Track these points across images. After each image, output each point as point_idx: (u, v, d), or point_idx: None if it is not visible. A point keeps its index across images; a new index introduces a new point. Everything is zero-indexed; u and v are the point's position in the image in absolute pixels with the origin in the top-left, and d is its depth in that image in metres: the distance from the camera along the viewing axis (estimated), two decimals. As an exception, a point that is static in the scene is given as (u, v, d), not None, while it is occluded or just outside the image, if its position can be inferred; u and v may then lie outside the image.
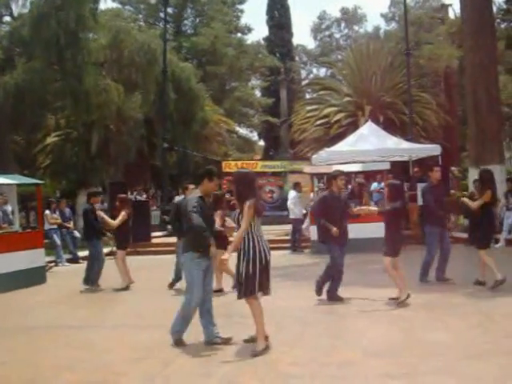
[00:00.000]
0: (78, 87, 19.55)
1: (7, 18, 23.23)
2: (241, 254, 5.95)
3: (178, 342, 6.36)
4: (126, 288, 10.61)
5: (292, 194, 15.99)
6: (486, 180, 9.03)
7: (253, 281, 5.87)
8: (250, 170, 6.85)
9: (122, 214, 10.69)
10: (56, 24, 19.00)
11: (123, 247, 10.91)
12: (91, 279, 10.91)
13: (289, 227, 16.59)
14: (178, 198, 22.34)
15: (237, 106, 39.40)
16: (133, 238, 16.05)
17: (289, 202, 15.86)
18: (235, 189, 6.15)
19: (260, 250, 5.91)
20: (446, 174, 15.92)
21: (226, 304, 8.27)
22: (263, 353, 5.88)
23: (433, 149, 16.56)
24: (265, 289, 6.02)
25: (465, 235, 13.25)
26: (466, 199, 9.52)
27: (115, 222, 10.68)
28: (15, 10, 22.92)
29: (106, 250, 15.97)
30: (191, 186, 9.53)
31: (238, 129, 41.06)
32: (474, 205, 8.98)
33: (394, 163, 17.39)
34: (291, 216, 15.75)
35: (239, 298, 6.03)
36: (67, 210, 16.54)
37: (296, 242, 15.69)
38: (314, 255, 14.17)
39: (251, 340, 6.21)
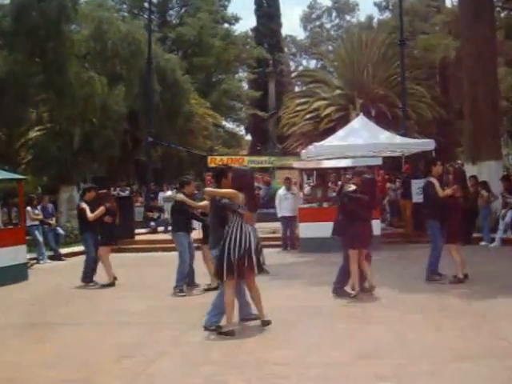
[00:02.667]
0: (60, 80, 19.50)
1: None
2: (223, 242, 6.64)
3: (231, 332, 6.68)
4: (112, 284, 10.75)
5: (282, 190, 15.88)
6: (457, 177, 9.62)
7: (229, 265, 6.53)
8: (249, 168, 7.30)
9: (100, 209, 10.91)
10: (38, 15, 18.96)
11: (104, 243, 11.05)
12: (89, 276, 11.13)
13: (276, 225, 16.67)
14: (162, 194, 22.56)
15: (223, 99, 39.33)
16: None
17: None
18: (234, 183, 6.79)
19: (241, 238, 6.55)
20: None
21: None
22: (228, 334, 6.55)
23: (427, 144, 16.58)
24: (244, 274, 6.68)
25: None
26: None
27: (91, 216, 10.90)
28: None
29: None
30: (194, 183, 10.47)
31: (224, 123, 41.04)
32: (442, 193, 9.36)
33: (386, 159, 17.46)
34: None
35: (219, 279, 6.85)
36: (50, 206, 16.56)
37: (286, 240, 15.60)
38: (302, 254, 14.24)
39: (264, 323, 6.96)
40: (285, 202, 15.34)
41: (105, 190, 11.81)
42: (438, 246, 9.57)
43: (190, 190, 10.01)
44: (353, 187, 8.82)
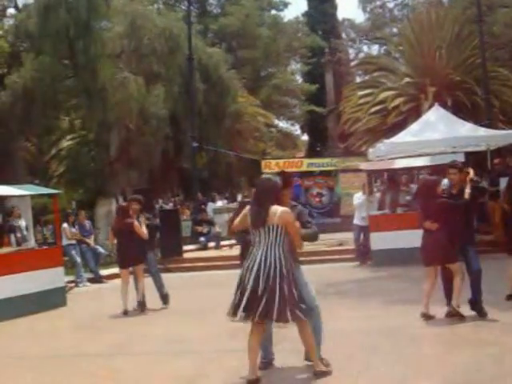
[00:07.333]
0: (92, 83, 19.89)
1: (11, 10, 23.86)
2: None
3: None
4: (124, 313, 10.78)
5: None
6: None
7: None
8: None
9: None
10: (65, 13, 19.43)
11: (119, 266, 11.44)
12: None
13: (343, 236, 16.68)
14: (212, 205, 22.70)
15: (275, 96, 39.32)
16: (162, 253, 16.27)
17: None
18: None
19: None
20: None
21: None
22: None
23: (515, 135, 16.22)
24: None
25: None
26: None
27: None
28: (20, 1, 23.53)
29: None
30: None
31: (277, 122, 41.04)
32: None
33: (468, 154, 17.08)
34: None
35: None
36: (87, 223, 16.65)
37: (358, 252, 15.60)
38: (375, 267, 14.07)
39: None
40: (362, 209, 15.45)
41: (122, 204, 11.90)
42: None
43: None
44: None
